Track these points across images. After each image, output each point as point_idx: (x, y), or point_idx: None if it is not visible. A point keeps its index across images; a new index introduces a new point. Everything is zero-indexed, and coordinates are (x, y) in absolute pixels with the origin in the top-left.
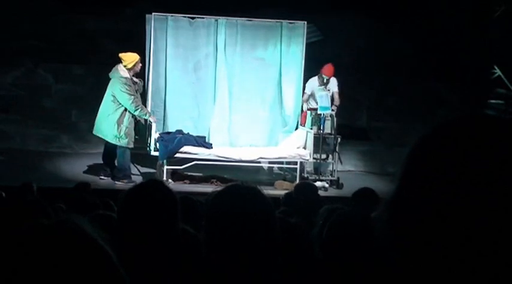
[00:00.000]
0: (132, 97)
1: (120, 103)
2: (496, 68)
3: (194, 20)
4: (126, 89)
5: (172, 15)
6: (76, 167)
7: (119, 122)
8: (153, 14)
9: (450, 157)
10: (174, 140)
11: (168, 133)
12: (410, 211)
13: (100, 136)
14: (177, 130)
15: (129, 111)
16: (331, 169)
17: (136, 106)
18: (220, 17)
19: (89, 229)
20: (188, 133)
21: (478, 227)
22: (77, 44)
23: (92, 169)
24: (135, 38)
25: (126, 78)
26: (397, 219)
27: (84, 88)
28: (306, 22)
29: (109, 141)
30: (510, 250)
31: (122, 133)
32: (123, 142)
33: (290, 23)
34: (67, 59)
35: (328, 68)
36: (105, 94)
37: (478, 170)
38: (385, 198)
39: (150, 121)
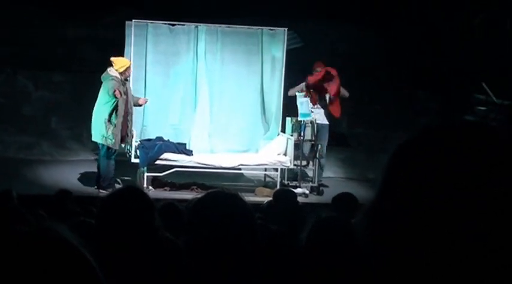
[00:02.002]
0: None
1: (110, 103)
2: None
3: (174, 26)
4: (114, 86)
5: (152, 22)
6: (56, 174)
7: (107, 121)
8: (133, 21)
9: (430, 164)
10: (154, 147)
11: (149, 140)
12: (389, 218)
13: (94, 140)
14: (157, 137)
15: (117, 112)
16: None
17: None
18: (201, 24)
19: (70, 237)
20: (168, 140)
21: (457, 236)
22: (57, 51)
23: (74, 177)
24: (116, 45)
25: (116, 76)
26: (376, 226)
27: (64, 95)
28: (286, 29)
29: (97, 141)
30: (488, 256)
31: (110, 132)
32: (109, 142)
33: (270, 29)
34: (47, 66)
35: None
36: (98, 98)
37: (458, 177)
38: (365, 204)
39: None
